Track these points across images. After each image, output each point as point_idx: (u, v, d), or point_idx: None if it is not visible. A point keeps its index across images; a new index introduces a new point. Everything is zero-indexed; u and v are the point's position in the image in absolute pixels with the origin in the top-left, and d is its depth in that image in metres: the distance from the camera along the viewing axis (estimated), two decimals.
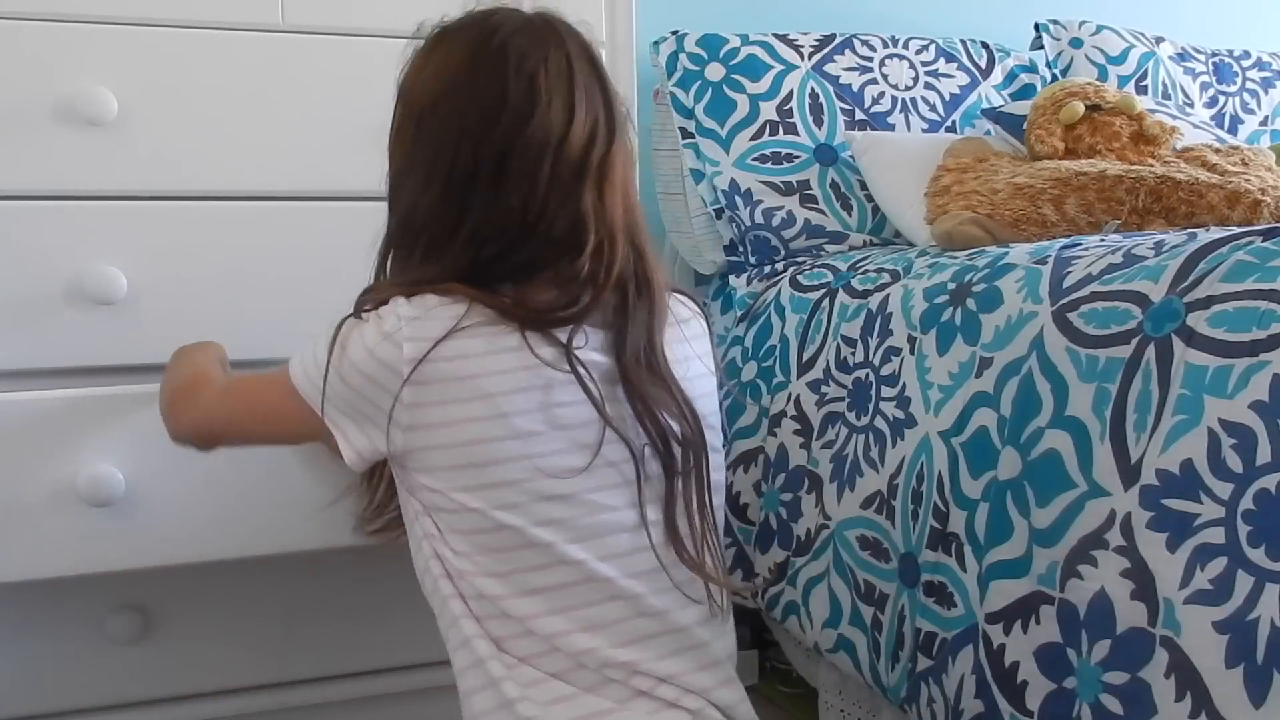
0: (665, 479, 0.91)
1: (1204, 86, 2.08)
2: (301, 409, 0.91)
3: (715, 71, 1.78)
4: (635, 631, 0.88)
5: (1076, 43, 2.06)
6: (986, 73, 1.94)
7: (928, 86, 1.87)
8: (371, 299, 0.90)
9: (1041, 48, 2.07)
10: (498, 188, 0.87)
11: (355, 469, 0.92)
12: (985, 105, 1.88)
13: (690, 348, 0.98)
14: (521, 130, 0.87)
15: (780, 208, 1.71)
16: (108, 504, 1.20)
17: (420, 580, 0.93)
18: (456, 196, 0.88)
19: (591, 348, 0.89)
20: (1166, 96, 2.03)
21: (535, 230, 0.88)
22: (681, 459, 0.91)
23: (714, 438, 0.98)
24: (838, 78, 1.82)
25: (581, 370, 0.87)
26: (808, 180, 1.73)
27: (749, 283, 1.69)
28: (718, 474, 0.98)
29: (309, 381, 0.90)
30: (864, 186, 1.72)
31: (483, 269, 0.89)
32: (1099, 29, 2.07)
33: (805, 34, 1.87)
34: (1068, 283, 1.05)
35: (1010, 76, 1.96)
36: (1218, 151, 1.59)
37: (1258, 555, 0.78)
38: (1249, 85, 2.12)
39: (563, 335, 0.88)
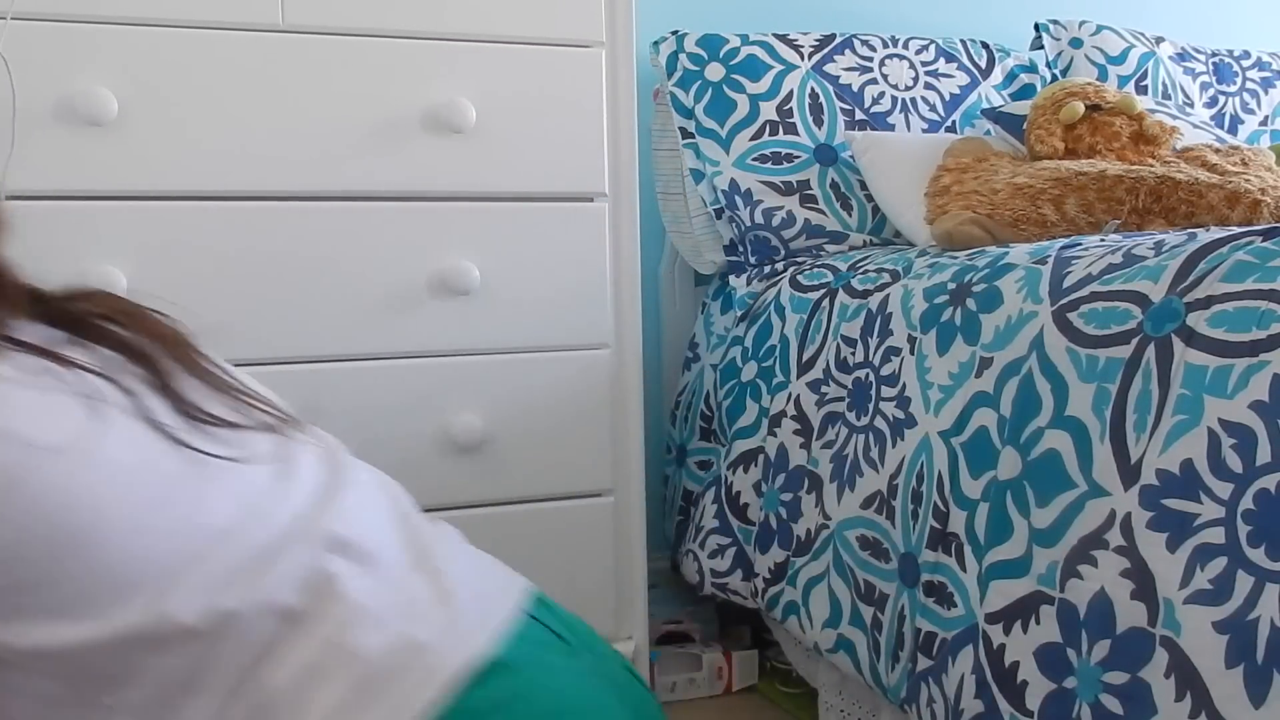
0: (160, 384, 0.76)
1: (1204, 86, 2.08)
2: None
3: (715, 71, 1.78)
4: None
5: (1076, 43, 2.06)
6: (986, 73, 1.94)
7: (928, 86, 1.87)
8: None
9: (1041, 48, 2.07)
10: None
11: None
12: (985, 105, 1.88)
13: None
14: None
15: (780, 208, 1.71)
16: None
17: None
18: None
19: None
20: (1166, 96, 2.03)
21: None
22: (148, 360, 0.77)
23: None
24: (838, 78, 1.82)
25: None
26: (808, 180, 1.73)
27: (749, 283, 1.69)
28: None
29: None
30: (864, 186, 1.72)
31: None
32: (1099, 29, 2.07)
33: (805, 34, 1.87)
34: (1068, 283, 1.05)
35: (1010, 76, 1.97)
36: (1218, 151, 1.59)
37: (1258, 555, 0.78)
38: (1249, 85, 2.12)
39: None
